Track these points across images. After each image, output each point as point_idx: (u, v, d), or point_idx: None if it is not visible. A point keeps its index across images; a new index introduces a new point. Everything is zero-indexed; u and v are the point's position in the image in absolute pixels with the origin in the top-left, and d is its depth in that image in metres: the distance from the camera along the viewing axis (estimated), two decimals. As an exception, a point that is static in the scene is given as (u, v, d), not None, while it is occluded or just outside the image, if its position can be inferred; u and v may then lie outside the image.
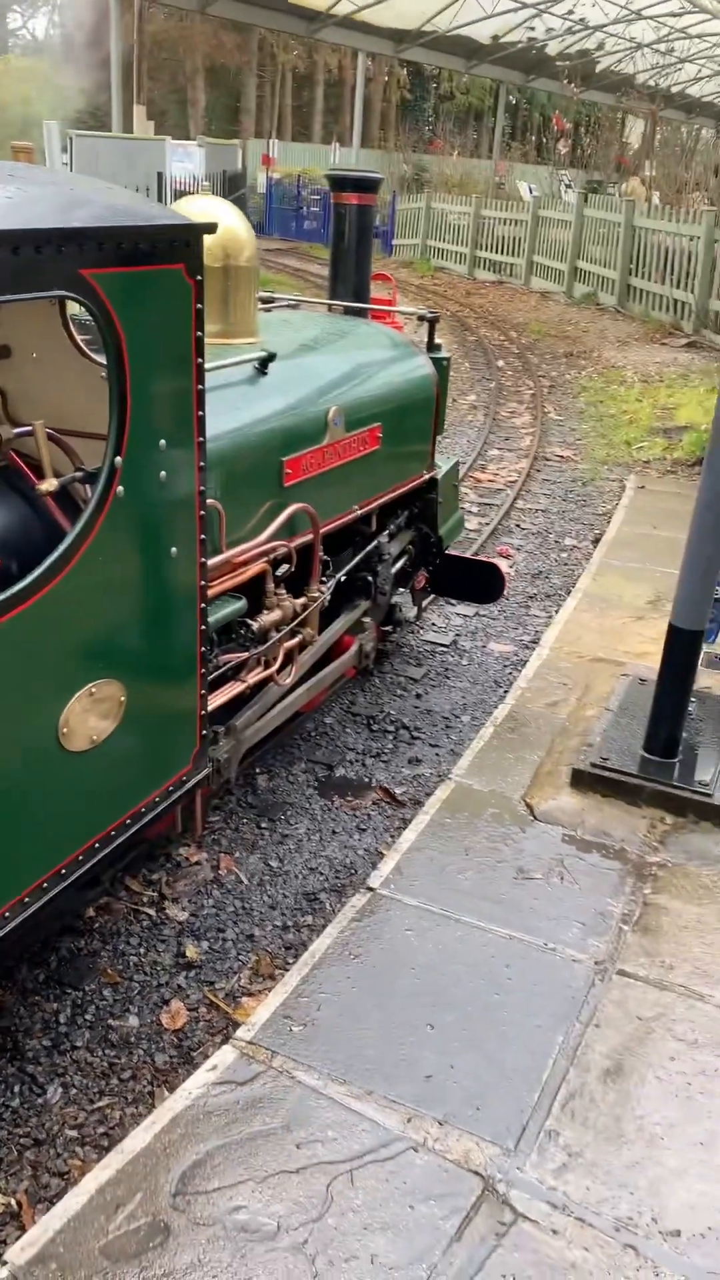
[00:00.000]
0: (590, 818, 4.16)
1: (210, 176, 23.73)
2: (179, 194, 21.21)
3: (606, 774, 4.28)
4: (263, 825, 4.51)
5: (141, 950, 3.76)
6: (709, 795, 4.16)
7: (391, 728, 5.42)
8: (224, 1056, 3.01)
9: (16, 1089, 3.19)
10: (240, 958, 3.80)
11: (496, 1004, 3.25)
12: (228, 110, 44.83)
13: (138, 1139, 2.74)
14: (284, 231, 28.62)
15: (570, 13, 27.99)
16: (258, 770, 4.86)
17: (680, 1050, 3.11)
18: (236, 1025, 3.44)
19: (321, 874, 4.27)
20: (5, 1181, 2.91)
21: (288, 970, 3.63)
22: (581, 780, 4.30)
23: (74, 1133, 3.08)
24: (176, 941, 3.82)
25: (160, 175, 21.53)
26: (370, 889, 3.71)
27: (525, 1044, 3.11)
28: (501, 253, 23.77)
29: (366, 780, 4.95)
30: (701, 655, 4.35)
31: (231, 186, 24.99)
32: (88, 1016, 3.46)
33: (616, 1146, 2.79)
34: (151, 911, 3.93)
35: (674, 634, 4.17)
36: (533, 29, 29.60)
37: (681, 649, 4.16)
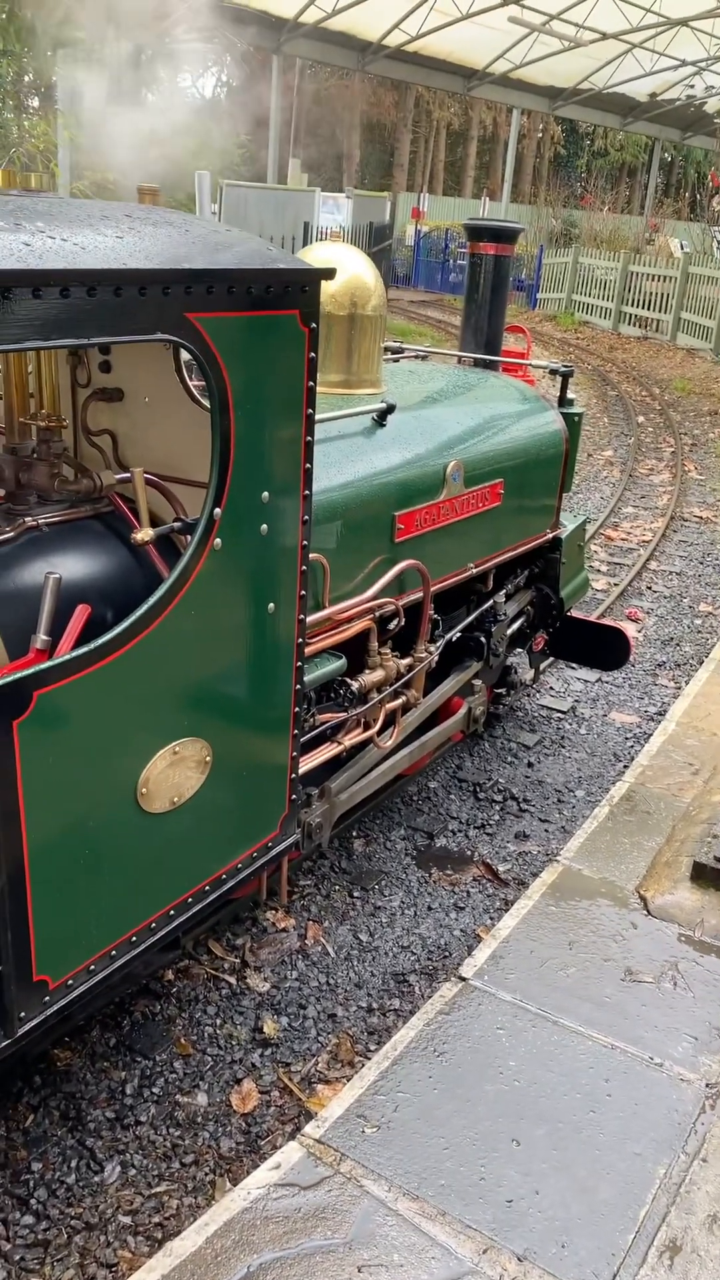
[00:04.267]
0: (711, 918, 3.80)
1: (357, 228, 24.13)
2: (326, 245, 21.55)
3: (730, 870, 3.92)
4: (355, 894, 4.30)
5: (218, 1021, 3.58)
6: None
7: (499, 797, 5.14)
8: (289, 1155, 2.78)
9: (74, 1164, 3.02)
10: (320, 1038, 3.58)
11: (591, 1123, 2.95)
12: (381, 164, 45.71)
13: (189, 1241, 2.53)
14: (430, 284, 28.85)
15: (731, 69, 27.58)
16: (354, 834, 4.65)
17: None
18: (309, 1114, 3.21)
19: (413, 953, 4.02)
20: (52, 1268, 2.74)
21: (368, 1057, 3.40)
22: (703, 874, 3.95)
23: (128, 1219, 2.89)
24: (255, 1014, 3.63)
25: (307, 225, 21.95)
26: (462, 978, 3.45)
27: (621, 1174, 2.80)
28: (648, 309, 23.38)
29: (469, 853, 4.68)
30: None
31: (378, 238, 25.32)
32: (155, 1090, 3.29)
33: (720, 1311, 2.46)
34: (232, 979, 3.75)
35: None
36: (692, 86, 29.28)
37: None
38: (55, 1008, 2.51)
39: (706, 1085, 3.10)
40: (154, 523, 2.78)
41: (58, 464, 2.89)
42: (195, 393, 2.99)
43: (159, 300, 2.31)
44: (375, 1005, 3.75)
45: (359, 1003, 3.75)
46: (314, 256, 3.57)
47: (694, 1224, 2.67)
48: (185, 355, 3.00)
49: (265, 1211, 2.62)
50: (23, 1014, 2.44)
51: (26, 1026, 2.44)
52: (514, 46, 24.99)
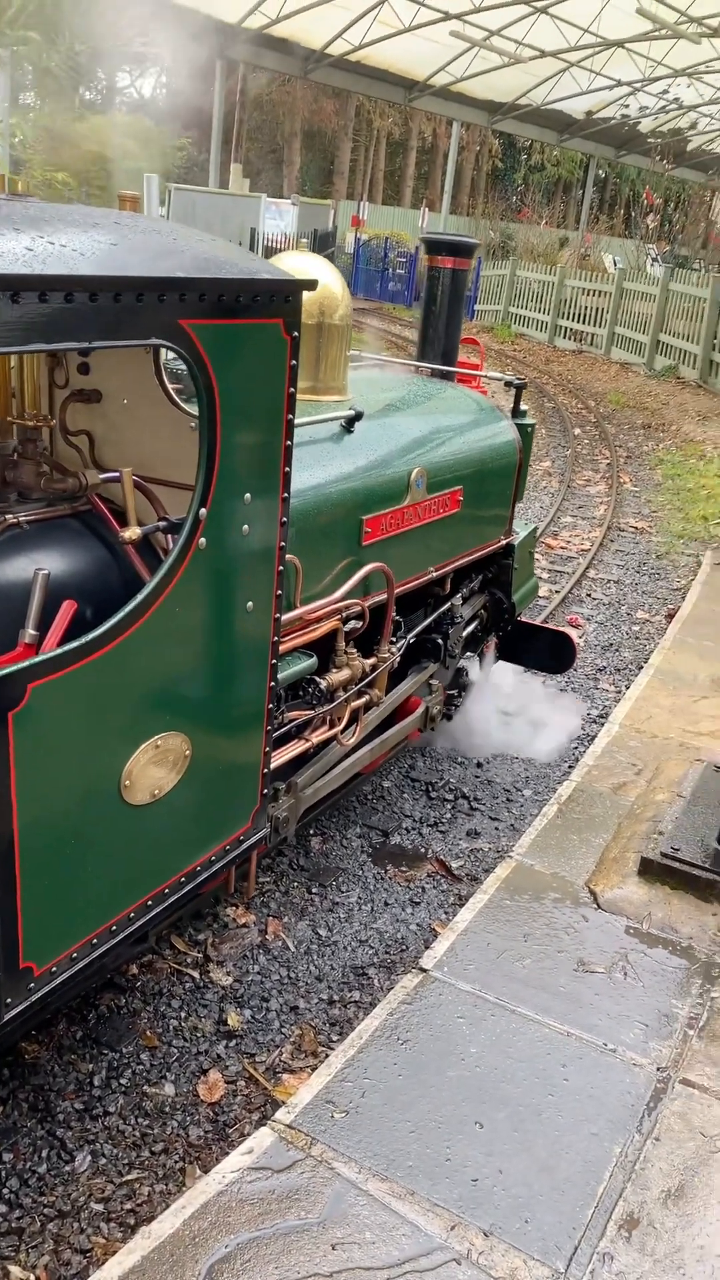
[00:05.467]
0: (657, 910, 3.97)
1: (301, 234, 24.20)
2: (269, 250, 21.63)
3: (677, 865, 4.08)
4: (313, 890, 4.38)
5: (183, 1014, 3.64)
6: (785, 896, 3.95)
7: (450, 796, 5.27)
8: (261, 1139, 2.86)
9: (45, 1154, 3.06)
10: (283, 1030, 3.65)
11: (550, 1105, 3.07)
12: (321, 171, 45.85)
13: (166, 1223, 2.60)
14: (369, 292, 29.00)
15: (665, 92, 28.24)
16: (311, 832, 4.74)
17: (747, 1175, 2.90)
18: (275, 1103, 3.29)
19: (371, 947, 4.12)
20: (27, 1255, 2.78)
21: (331, 1048, 3.48)
22: (650, 869, 4.11)
23: (100, 1207, 2.94)
24: (219, 1007, 3.69)
25: (253, 231, 21.99)
26: (423, 970, 3.56)
27: (580, 1152, 2.92)
28: (583, 322, 23.83)
29: (423, 851, 4.80)
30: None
31: (322, 245, 25.43)
32: (123, 1081, 3.34)
33: (675, 1278, 2.59)
34: (195, 974, 3.81)
35: (756, 723, 3.99)
36: (627, 106, 29.91)
37: (763, 740, 3.98)
38: (39, 994, 2.56)
39: (657, 1069, 3.24)
40: (139, 522, 2.83)
41: (42, 463, 2.94)
42: (174, 396, 3.07)
43: (155, 306, 2.38)
44: (336, 997, 3.84)
45: (320, 995, 3.84)
46: (287, 266, 3.64)
47: (649, 1199, 2.81)
48: (165, 358, 3.09)
49: (240, 1194, 2.69)
50: (9, 1000, 2.48)
51: (12, 1013, 2.49)
52: (455, 60, 25.29)
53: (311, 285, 2.92)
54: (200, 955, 3.91)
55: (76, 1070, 3.35)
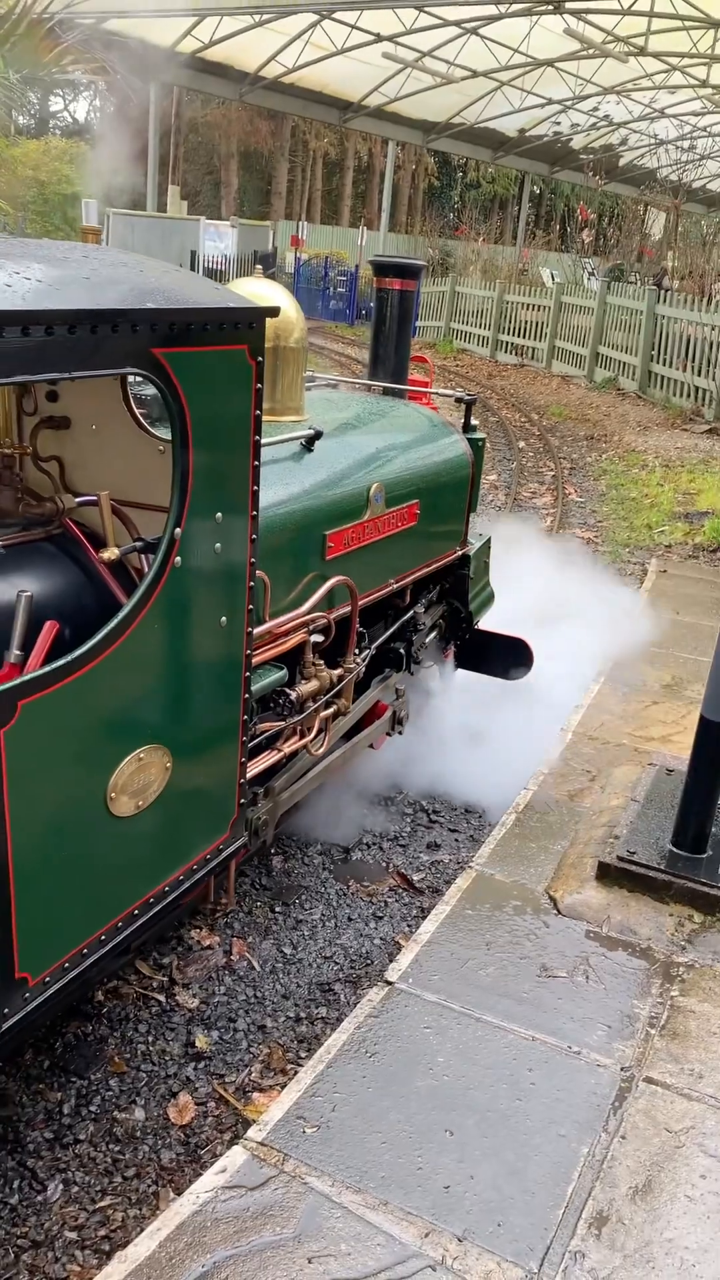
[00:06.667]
0: (616, 914, 4.04)
1: (242, 256, 24.30)
2: (210, 272, 21.68)
3: (633, 868, 4.16)
4: (277, 909, 4.40)
5: (150, 1038, 3.64)
6: (738, 893, 4.04)
7: (409, 810, 5.32)
8: (234, 1158, 2.88)
9: (16, 1184, 3.05)
10: (251, 1049, 3.67)
11: (518, 1110, 3.12)
12: (259, 192, 46.08)
13: (141, 1246, 2.60)
14: (310, 311, 29.17)
15: (595, 109, 28.81)
16: (273, 851, 4.76)
17: (711, 1167, 2.97)
18: (246, 1122, 3.31)
19: (336, 963, 4.15)
20: (0, 1286, 2.77)
21: (300, 1065, 3.50)
22: (607, 874, 4.19)
23: (74, 1235, 2.94)
24: (186, 1030, 3.70)
25: (193, 253, 22.04)
26: (388, 982, 3.59)
27: (549, 1155, 2.97)
28: (524, 337, 24.15)
29: (384, 865, 4.84)
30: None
31: (262, 266, 25.58)
32: (92, 1108, 3.33)
33: (646, 1272, 2.64)
34: (161, 997, 3.81)
35: (705, 726, 4.09)
36: (558, 124, 30.46)
37: (713, 741, 4.07)
38: (34, 1004, 2.63)
39: (621, 1069, 3.31)
40: (106, 544, 2.96)
41: (20, 488, 3.09)
42: (142, 420, 3.20)
43: (129, 336, 2.50)
44: (303, 1014, 3.86)
45: (287, 1013, 3.86)
46: (245, 292, 3.75)
47: (618, 1196, 2.86)
48: (131, 383, 3.19)
49: (215, 1213, 2.71)
50: (5, 1010, 2.55)
51: (9, 1023, 2.55)
52: (388, 80, 25.61)
53: (275, 312, 3.07)
54: (165, 979, 3.91)
55: (45, 1099, 3.34)
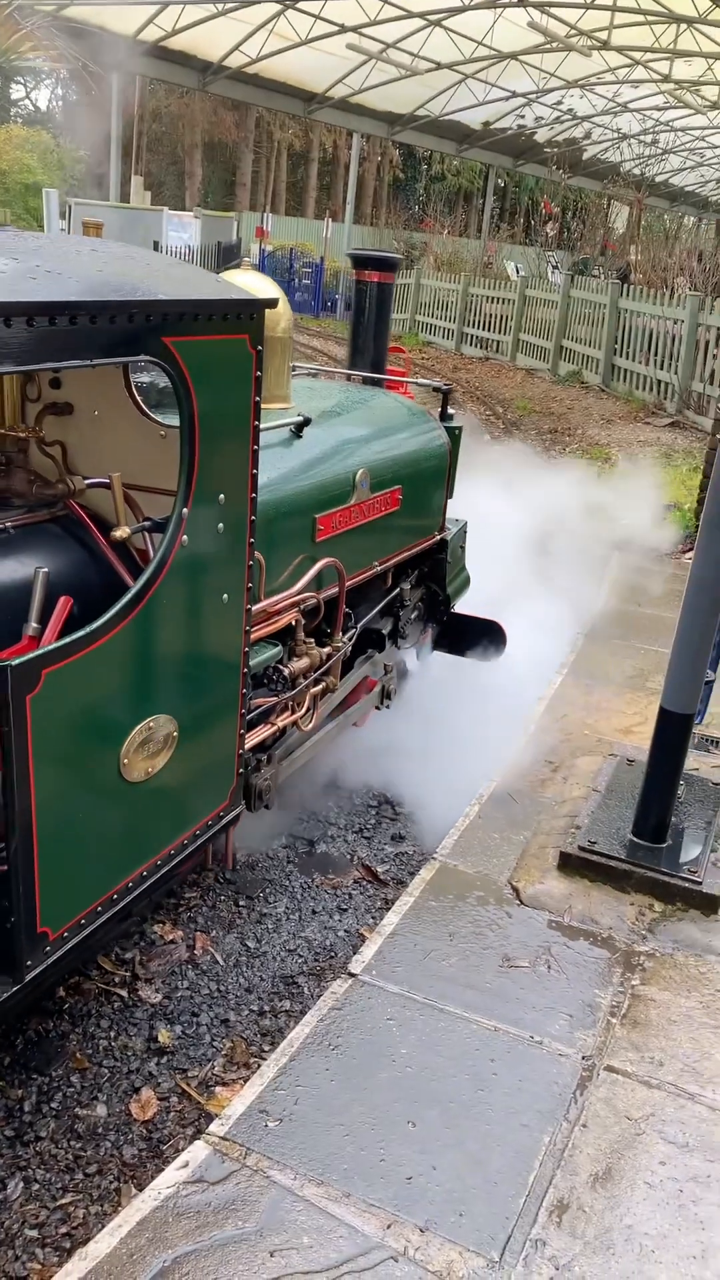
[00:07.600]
0: (577, 903, 4.07)
1: (206, 247, 24.15)
2: (173, 263, 21.50)
3: (594, 858, 4.19)
4: (240, 903, 4.39)
5: (112, 1034, 3.62)
6: (698, 883, 4.08)
7: (374, 802, 5.32)
8: (196, 1153, 2.86)
9: (-25, 1183, 3.02)
10: (215, 1044, 3.66)
11: (480, 1100, 3.13)
12: (224, 183, 45.82)
13: (103, 1244, 2.59)
14: (275, 302, 29.07)
15: (559, 103, 28.92)
16: (236, 846, 4.74)
17: (671, 1154, 2.99)
18: (209, 1116, 3.30)
19: (300, 956, 4.15)
20: (-41, 1286, 2.74)
21: (264, 1058, 3.50)
22: (569, 864, 4.21)
23: (34, 1233, 2.92)
24: (149, 1025, 3.68)
25: (156, 244, 21.88)
26: (352, 974, 3.59)
27: (511, 1144, 2.99)
28: (488, 330, 24.19)
29: (348, 857, 4.84)
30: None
31: (226, 257, 25.42)
32: (54, 1105, 3.31)
33: (605, 1259, 2.66)
34: (123, 993, 3.79)
35: (665, 717, 4.12)
36: (522, 117, 30.54)
37: (672, 732, 4.11)
38: (54, 958, 2.83)
39: (583, 1058, 3.33)
40: (113, 526, 3.06)
41: (31, 471, 3.21)
42: (143, 406, 3.33)
43: (143, 326, 2.64)
44: (266, 1008, 3.86)
45: (250, 1007, 3.85)
46: (236, 283, 3.80)
47: (578, 1184, 2.88)
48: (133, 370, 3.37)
49: (177, 1208, 2.70)
50: (29, 962, 2.74)
51: (32, 974, 2.75)
52: (353, 72, 25.55)
53: (274, 303, 3.25)
54: (128, 974, 3.89)
55: (5, 1097, 3.31)
